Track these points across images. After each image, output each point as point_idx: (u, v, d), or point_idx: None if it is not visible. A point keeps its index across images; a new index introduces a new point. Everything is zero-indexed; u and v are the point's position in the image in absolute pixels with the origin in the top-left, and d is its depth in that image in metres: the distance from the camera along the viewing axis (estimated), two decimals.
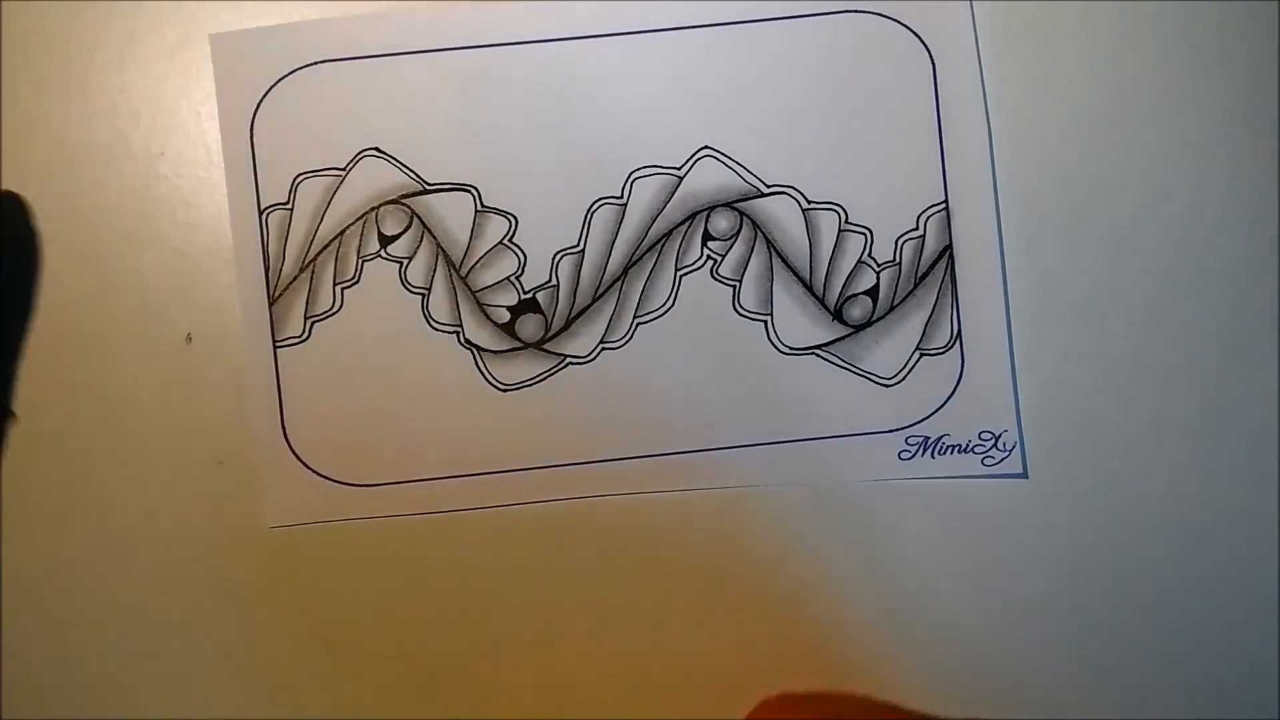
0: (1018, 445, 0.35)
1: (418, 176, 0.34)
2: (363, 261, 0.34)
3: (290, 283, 0.34)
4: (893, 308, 0.35)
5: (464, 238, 0.34)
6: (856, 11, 0.35)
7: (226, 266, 0.34)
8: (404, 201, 0.34)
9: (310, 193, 0.34)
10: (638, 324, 0.35)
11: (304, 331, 0.34)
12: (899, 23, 0.35)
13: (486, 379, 0.34)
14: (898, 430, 0.35)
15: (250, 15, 0.34)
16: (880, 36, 0.35)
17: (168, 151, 0.34)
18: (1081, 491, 0.35)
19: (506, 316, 0.34)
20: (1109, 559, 0.35)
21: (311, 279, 0.34)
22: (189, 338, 0.34)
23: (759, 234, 0.35)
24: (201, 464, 0.34)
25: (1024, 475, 0.35)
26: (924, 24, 0.35)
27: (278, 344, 0.34)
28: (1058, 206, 0.35)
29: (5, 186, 0.34)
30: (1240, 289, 0.35)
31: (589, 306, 0.34)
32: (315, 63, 0.34)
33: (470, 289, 0.34)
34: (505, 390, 0.34)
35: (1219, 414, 0.35)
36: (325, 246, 0.34)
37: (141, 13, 0.34)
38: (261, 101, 0.34)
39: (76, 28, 0.34)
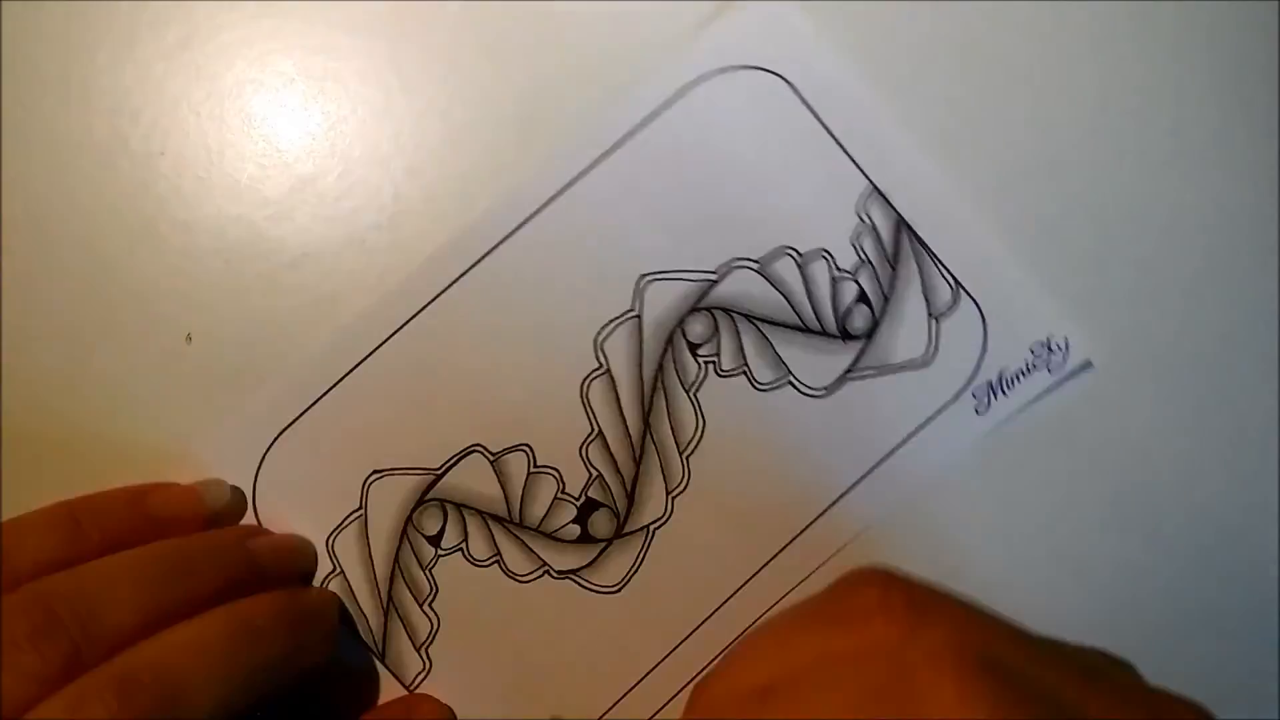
0: (1066, 340, 0.35)
1: (425, 469, 0.35)
2: (429, 571, 0.35)
3: (384, 631, 0.35)
4: (887, 299, 0.35)
5: (497, 491, 0.35)
6: (701, 80, 0.34)
7: (226, 266, 0.34)
8: (429, 498, 0.35)
9: (347, 545, 0.35)
10: (687, 459, 0.35)
11: (425, 663, 0.35)
12: (746, 67, 0.34)
13: (596, 591, 0.35)
14: (961, 393, 0.35)
15: (250, 14, 0.35)
16: (731, 86, 0.34)
17: (167, 152, 0.34)
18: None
19: (577, 530, 0.35)
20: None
21: (399, 615, 0.35)
22: (189, 338, 0.34)
23: (733, 317, 0.35)
24: None
25: (1090, 366, 0.35)
26: (764, 57, 0.34)
27: (410, 687, 0.35)
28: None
29: (5, 186, 0.35)
30: (1241, 286, 0.35)
31: (637, 473, 0.35)
32: (289, 424, 0.34)
33: (532, 528, 0.35)
34: (619, 589, 0.35)
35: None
36: (392, 580, 0.35)
37: (141, 13, 0.34)
38: (257, 477, 0.35)
39: (76, 28, 0.34)
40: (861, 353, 0.35)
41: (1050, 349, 0.35)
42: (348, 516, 0.35)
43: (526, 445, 0.35)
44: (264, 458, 0.34)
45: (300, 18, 0.35)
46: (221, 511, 0.34)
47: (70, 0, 0.35)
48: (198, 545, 0.31)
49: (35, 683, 0.26)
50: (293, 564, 0.33)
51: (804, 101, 0.34)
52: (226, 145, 0.35)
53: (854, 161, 0.35)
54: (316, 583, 0.35)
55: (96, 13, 0.35)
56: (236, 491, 0.34)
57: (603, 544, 0.35)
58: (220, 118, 0.35)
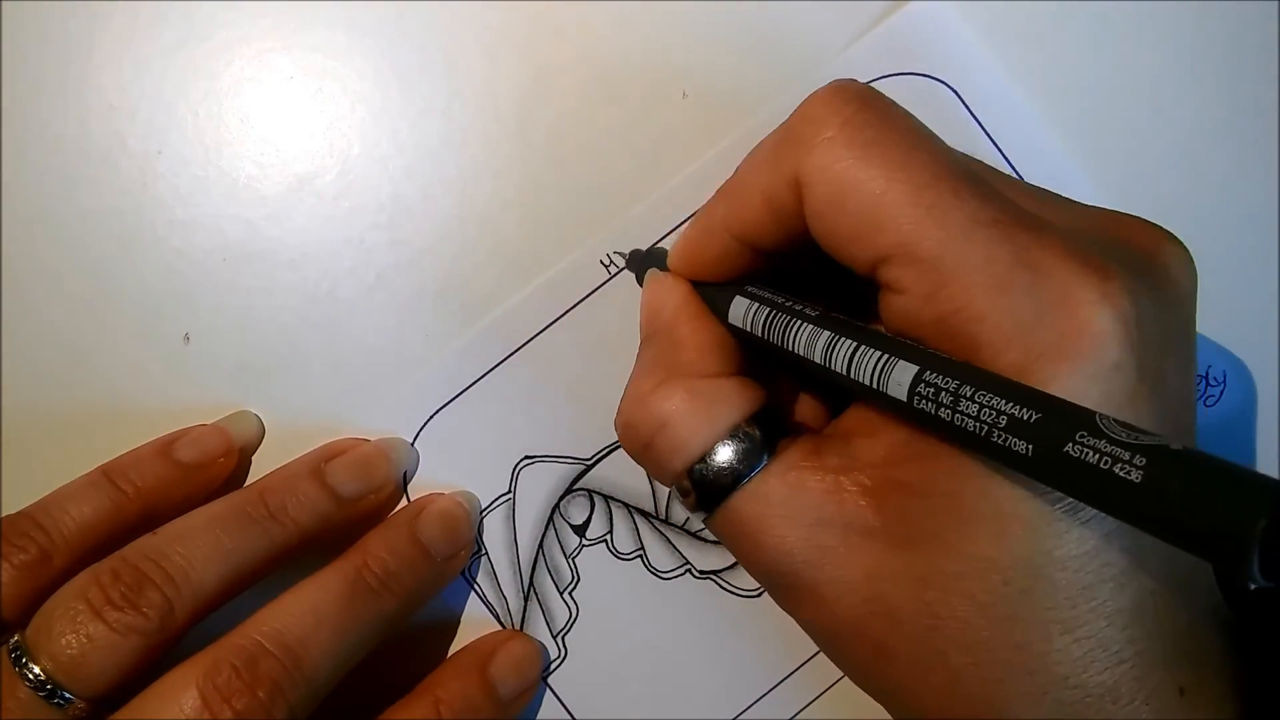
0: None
1: (575, 458, 0.35)
2: (572, 560, 0.35)
3: (523, 616, 0.35)
4: None
5: (645, 486, 0.35)
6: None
7: (224, 265, 0.34)
8: (577, 487, 0.35)
9: (494, 527, 0.35)
10: None
11: (561, 651, 0.35)
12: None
13: (736, 594, 0.35)
14: None
15: (248, 13, 0.34)
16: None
17: (165, 150, 0.34)
18: None
19: None
20: None
21: (539, 600, 0.35)
22: (187, 337, 0.34)
23: None
24: None
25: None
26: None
27: (544, 676, 0.35)
28: None
29: (4, 186, 0.34)
30: (1239, 288, 0.35)
31: None
32: (438, 410, 0.34)
33: (677, 526, 0.35)
34: (760, 593, 0.35)
35: None
36: (534, 567, 0.35)
37: (140, 12, 0.34)
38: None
39: (75, 27, 0.34)
40: None
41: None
42: (496, 499, 0.35)
43: None
44: (418, 436, 0.34)
45: (298, 16, 0.35)
46: (251, 443, 0.34)
47: (69, 0, 0.34)
48: (271, 485, 0.31)
49: (141, 636, 0.27)
50: (370, 477, 0.33)
51: (967, 108, 0.34)
52: (224, 144, 0.35)
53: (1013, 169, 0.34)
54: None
55: (94, 12, 0.34)
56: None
57: None
58: (218, 116, 0.35)
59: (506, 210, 0.35)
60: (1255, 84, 0.35)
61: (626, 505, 0.35)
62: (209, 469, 0.33)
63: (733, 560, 0.35)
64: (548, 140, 0.35)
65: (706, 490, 0.27)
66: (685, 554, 0.35)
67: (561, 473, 0.35)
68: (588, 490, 0.35)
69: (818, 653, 0.35)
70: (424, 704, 0.31)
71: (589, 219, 0.35)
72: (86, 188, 0.34)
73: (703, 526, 0.34)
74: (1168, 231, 0.26)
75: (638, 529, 0.35)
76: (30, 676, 0.27)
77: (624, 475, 0.35)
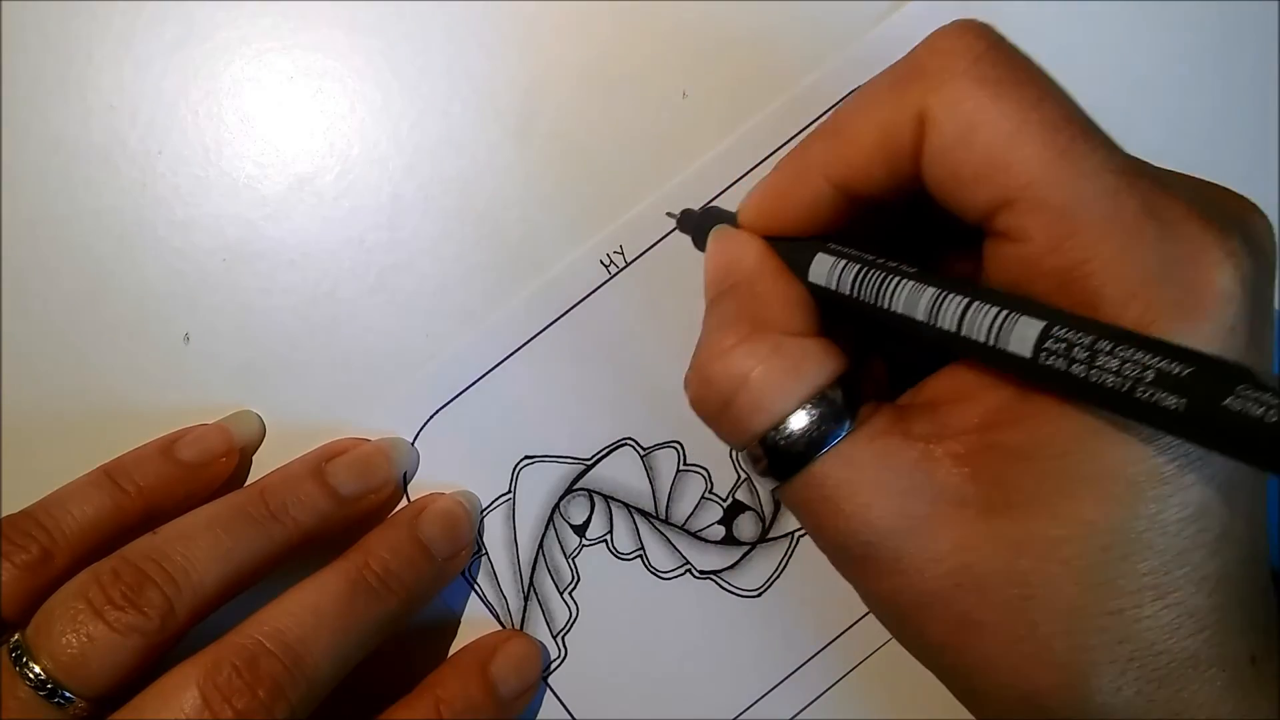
0: None
1: (575, 458, 0.35)
2: (572, 560, 0.35)
3: (523, 616, 0.35)
4: None
5: (645, 486, 0.35)
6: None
7: (224, 266, 0.34)
8: (577, 487, 0.35)
9: (493, 527, 0.35)
10: None
11: (561, 651, 0.35)
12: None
13: (737, 593, 0.35)
14: None
15: (248, 13, 0.34)
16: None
17: (165, 150, 0.34)
18: None
19: (722, 531, 0.35)
20: None
21: (539, 600, 0.35)
22: (187, 337, 0.34)
23: None
24: None
25: None
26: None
27: (544, 676, 0.35)
28: None
29: (4, 186, 0.34)
30: None
31: None
32: (438, 410, 0.34)
33: (677, 526, 0.35)
34: (760, 593, 0.35)
35: None
36: (534, 567, 0.35)
37: (140, 12, 0.34)
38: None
39: (75, 27, 0.34)
40: None
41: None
42: (496, 499, 0.35)
43: (677, 443, 0.35)
44: (418, 436, 0.34)
45: (298, 16, 0.35)
46: (252, 442, 0.34)
47: (69, 0, 0.34)
48: (272, 485, 0.31)
49: (141, 636, 0.28)
50: (370, 477, 0.33)
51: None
52: (224, 144, 0.35)
53: None
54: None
55: (94, 12, 0.34)
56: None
57: (746, 547, 0.35)
58: (218, 116, 0.35)
59: (506, 210, 0.35)
60: (1255, 84, 0.35)
61: (626, 505, 0.35)
62: (210, 468, 0.33)
63: (732, 561, 0.35)
64: (548, 140, 0.35)
65: (782, 455, 0.25)
66: (685, 554, 0.35)
67: (561, 473, 0.35)
68: (588, 490, 0.35)
69: (818, 653, 0.35)
70: (425, 703, 0.31)
71: (589, 219, 0.35)
72: (86, 188, 0.34)
73: (701, 528, 0.35)
74: (1254, 203, 0.25)
75: (638, 529, 0.35)
76: (31, 676, 0.27)
77: (624, 475, 0.35)
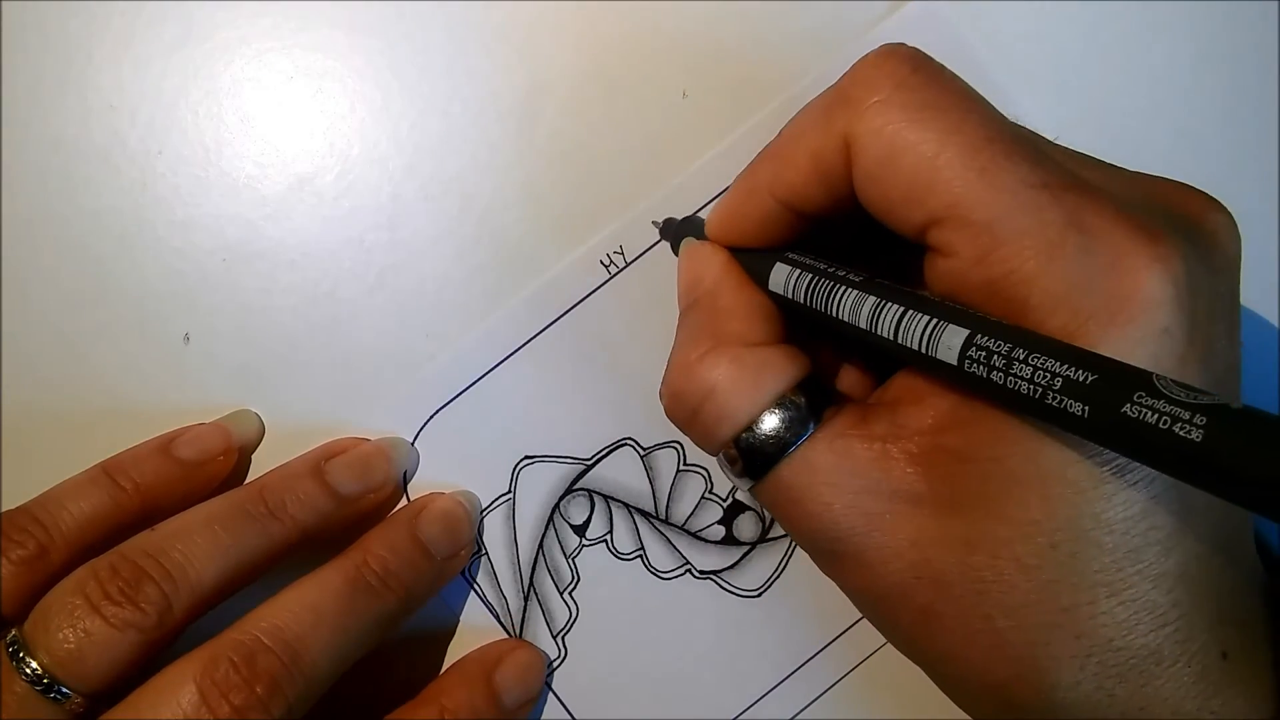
0: None
1: (575, 458, 0.35)
2: (572, 560, 0.35)
3: (523, 616, 0.35)
4: None
5: (645, 486, 0.35)
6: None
7: (224, 266, 0.34)
8: (577, 487, 0.35)
9: (493, 527, 0.35)
10: None
11: (560, 651, 0.35)
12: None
13: (736, 594, 0.35)
14: None
15: (248, 13, 0.34)
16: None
17: (165, 151, 0.34)
18: None
19: (722, 531, 0.35)
20: None
21: (539, 601, 0.35)
22: (187, 337, 0.34)
23: None
24: None
25: None
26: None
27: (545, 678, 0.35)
28: None
29: (4, 186, 0.34)
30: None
31: None
32: (438, 410, 0.34)
33: (677, 526, 0.35)
34: (760, 593, 0.35)
35: None
36: (534, 567, 0.35)
37: (140, 12, 0.34)
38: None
39: (75, 27, 0.34)
40: None
41: None
42: (496, 499, 0.35)
43: (677, 443, 0.35)
44: (418, 436, 0.34)
45: (298, 16, 0.35)
46: (251, 441, 0.34)
47: (69, 0, 0.34)
48: (271, 483, 0.31)
49: (138, 632, 0.27)
50: (369, 476, 0.33)
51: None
52: (224, 144, 0.35)
53: None
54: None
55: (94, 12, 0.34)
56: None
57: (746, 547, 0.35)
58: (218, 116, 0.35)
59: (506, 210, 0.35)
60: (1255, 84, 0.35)
61: (626, 505, 0.35)
62: (208, 467, 0.33)
63: (732, 561, 0.35)
64: (548, 140, 0.35)
65: (753, 459, 0.27)
66: (685, 554, 0.35)
67: (561, 473, 0.35)
68: (588, 490, 0.35)
69: (818, 653, 0.35)
70: (429, 710, 0.31)
71: (589, 219, 0.35)
72: (86, 188, 0.34)
73: (701, 528, 0.34)
74: (1214, 199, 0.26)
75: (638, 529, 0.35)
76: (28, 671, 0.27)
77: (624, 475, 0.35)
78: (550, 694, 0.35)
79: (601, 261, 0.34)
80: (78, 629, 0.27)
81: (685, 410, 0.27)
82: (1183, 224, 0.24)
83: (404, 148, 0.35)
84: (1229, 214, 0.26)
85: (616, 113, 0.35)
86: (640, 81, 0.35)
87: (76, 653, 0.27)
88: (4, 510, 0.31)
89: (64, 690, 0.27)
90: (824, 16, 0.34)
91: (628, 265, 0.34)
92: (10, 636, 0.28)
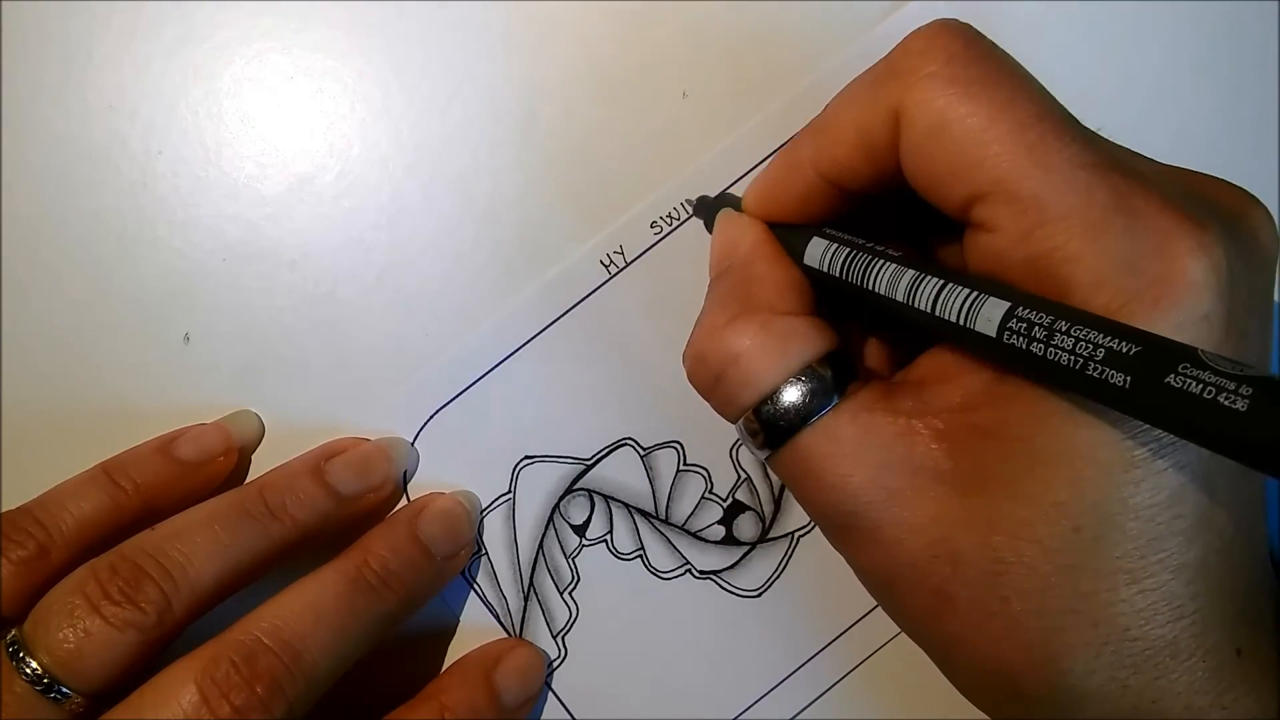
0: None
1: (575, 458, 0.35)
2: (572, 560, 0.35)
3: (523, 616, 0.35)
4: None
5: (645, 486, 0.35)
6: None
7: (224, 266, 0.34)
8: (577, 487, 0.35)
9: (493, 527, 0.35)
10: None
11: (560, 651, 0.35)
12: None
13: (736, 594, 0.35)
14: None
15: (248, 13, 0.34)
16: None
17: (165, 151, 0.34)
18: None
19: (722, 531, 0.35)
20: None
21: (539, 601, 0.35)
22: (187, 337, 0.34)
23: None
24: None
25: None
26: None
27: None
28: None
29: (4, 186, 0.34)
30: None
31: None
32: (438, 410, 0.34)
33: (677, 526, 0.35)
34: (760, 593, 0.35)
35: None
36: (534, 567, 0.35)
37: (140, 12, 0.34)
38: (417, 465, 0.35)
39: (75, 27, 0.34)
40: None
41: None
42: (496, 499, 0.35)
43: (678, 443, 0.35)
44: (418, 436, 0.34)
45: (298, 16, 0.35)
46: (251, 441, 0.34)
47: (69, 0, 0.34)
48: (271, 483, 0.31)
49: (138, 631, 0.27)
50: (369, 476, 0.33)
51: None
52: (224, 144, 0.35)
53: None
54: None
55: (94, 12, 0.34)
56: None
57: (746, 547, 0.35)
58: (218, 116, 0.35)
59: (507, 210, 0.35)
60: (1255, 84, 0.35)
61: (626, 505, 0.35)
62: (208, 467, 0.33)
63: (732, 561, 0.35)
64: (548, 140, 0.35)
65: (774, 429, 0.26)
66: (685, 554, 0.35)
67: (561, 473, 0.35)
68: (588, 490, 0.35)
69: (818, 653, 0.35)
70: (429, 709, 0.31)
71: (589, 219, 0.34)
72: (86, 188, 0.34)
73: (701, 528, 0.34)
74: (1254, 196, 0.26)
75: (638, 529, 0.35)
76: (28, 671, 0.27)
77: (624, 475, 0.35)
78: (550, 694, 0.35)
79: (601, 261, 0.34)
80: (78, 629, 0.27)
81: (708, 374, 0.27)
82: (1225, 217, 0.24)
83: (404, 148, 0.35)
84: (1267, 210, 0.26)
85: (616, 113, 0.35)
86: (640, 81, 0.35)
87: (76, 652, 0.27)
88: (4, 510, 0.31)
89: (64, 690, 0.27)
90: (824, 16, 0.34)
91: (628, 265, 0.34)
92: (10, 636, 0.28)
